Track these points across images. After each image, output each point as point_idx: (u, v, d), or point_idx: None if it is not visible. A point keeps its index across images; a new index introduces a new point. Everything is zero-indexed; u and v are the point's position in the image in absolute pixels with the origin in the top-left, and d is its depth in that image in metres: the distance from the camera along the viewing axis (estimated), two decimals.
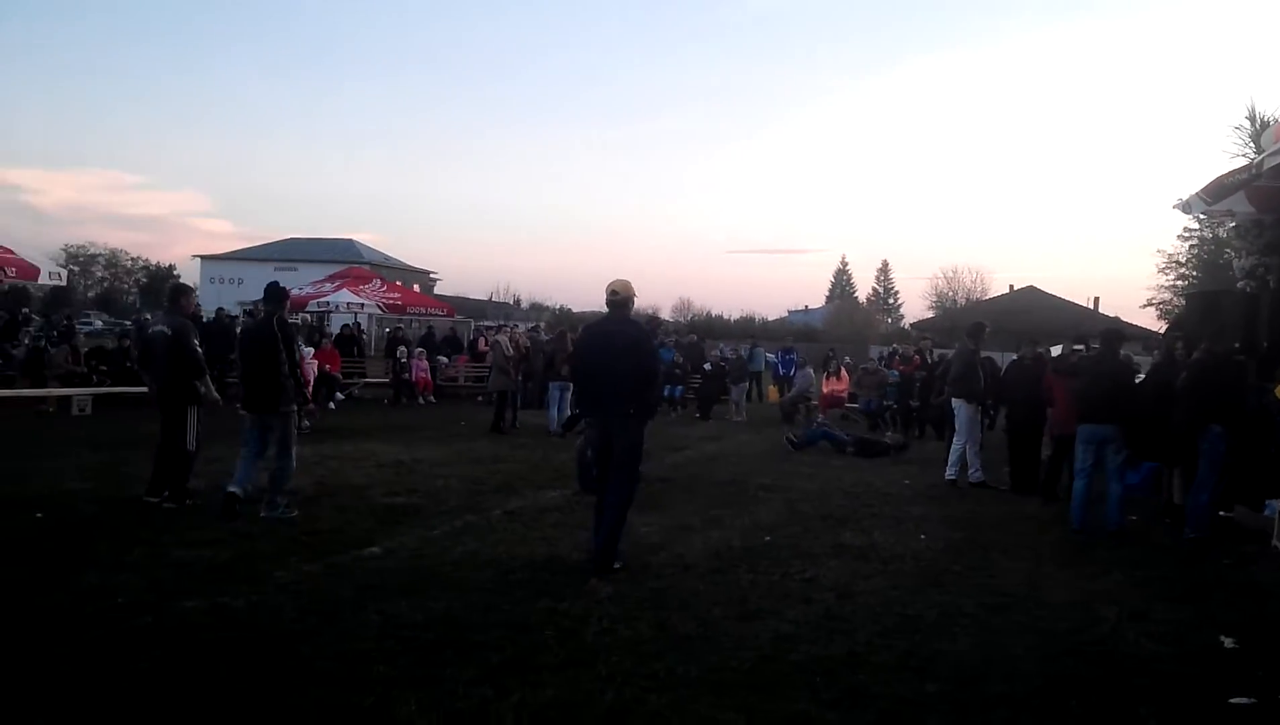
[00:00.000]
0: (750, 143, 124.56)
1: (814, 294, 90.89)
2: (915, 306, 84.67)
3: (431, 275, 69.22)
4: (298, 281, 28.47)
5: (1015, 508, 10.15)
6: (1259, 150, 11.98)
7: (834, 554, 7.54)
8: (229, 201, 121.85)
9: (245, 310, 26.61)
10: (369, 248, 67.12)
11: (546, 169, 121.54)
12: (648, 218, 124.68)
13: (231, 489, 8.01)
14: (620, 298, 6.91)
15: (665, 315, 67.14)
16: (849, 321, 63.03)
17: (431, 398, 21.10)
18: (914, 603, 6.19)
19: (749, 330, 47.91)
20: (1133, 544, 8.32)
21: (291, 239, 67.99)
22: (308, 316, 23.19)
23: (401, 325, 27.21)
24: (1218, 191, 10.54)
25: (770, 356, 27.27)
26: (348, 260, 50.62)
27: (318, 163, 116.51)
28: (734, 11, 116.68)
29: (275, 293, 8.43)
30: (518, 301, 72.34)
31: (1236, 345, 9.85)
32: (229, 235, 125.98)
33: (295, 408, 8.47)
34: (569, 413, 14.86)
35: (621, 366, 6.62)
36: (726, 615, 5.75)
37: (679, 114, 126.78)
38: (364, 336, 25.90)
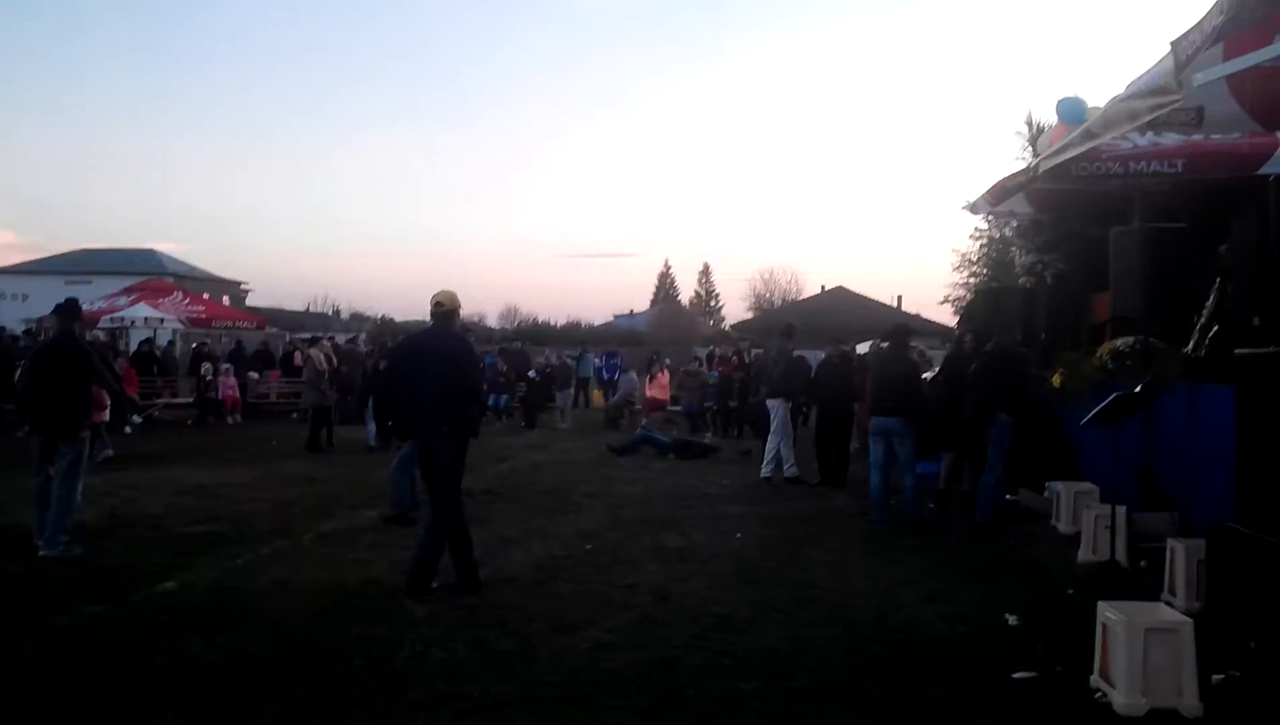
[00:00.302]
0: (575, 146, 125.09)
1: (639, 298, 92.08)
2: (735, 308, 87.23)
3: (243, 286, 65.74)
4: (91, 295, 26.43)
5: (826, 502, 10.59)
6: (1036, 154, 12.96)
7: (653, 558, 7.62)
8: (11, 209, 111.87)
9: (27, 328, 24.51)
10: (172, 258, 63.03)
11: (366, 174, 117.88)
12: (473, 223, 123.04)
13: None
14: (445, 309, 6.60)
15: (491, 322, 66.46)
16: (673, 324, 64.06)
17: (239, 417, 20.03)
18: (729, 601, 6.33)
19: (575, 336, 48.01)
20: (930, 531, 8.83)
21: (85, 249, 62.93)
22: (100, 333, 21.54)
23: (208, 340, 25.76)
24: (1000, 194, 11.31)
25: (596, 361, 27.46)
26: (148, 271, 47.41)
27: (115, 167, 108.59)
28: (561, 10, 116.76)
29: (73, 308, 8.12)
30: (337, 312, 69.64)
31: (1019, 338, 10.64)
32: (11, 246, 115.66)
33: (88, 434, 7.89)
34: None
35: (439, 381, 6.33)
36: (545, 629, 5.70)
37: (503, 117, 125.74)
38: (171, 353, 24.32)
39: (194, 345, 24.95)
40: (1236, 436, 5.20)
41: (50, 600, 6.15)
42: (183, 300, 24.56)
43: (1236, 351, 5.46)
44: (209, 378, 20.14)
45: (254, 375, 21.83)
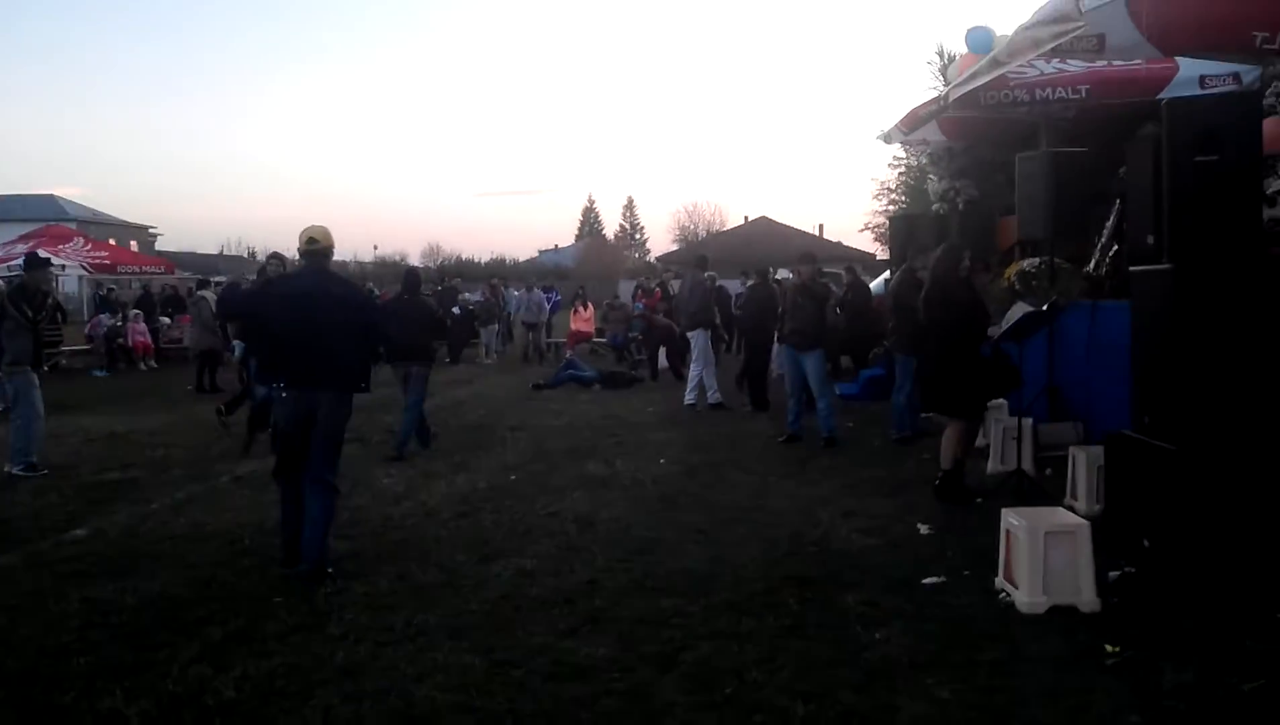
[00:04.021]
0: (493, 82, 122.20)
1: (564, 233, 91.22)
2: (661, 241, 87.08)
3: (151, 230, 63.39)
4: None
5: (749, 426, 10.74)
6: (947, 83, 13.06)
7: (578, 486, 7.66)
8: None
9: None
10: (75, 204, 60.27)
11: (281, 114, 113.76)
12: (390, 162, 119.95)
13: None
14: (320, 246, 5.68)
15: (414, 261, 65.26)
16: (598, 258, 63.91)
17: (153, 362, 19.42)
18: (651, 525, 6.40)
19: (500, 272, 47.41)
20: (848, 450, 9.03)
21: None
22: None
23: (115, 286, 24.80)
24: (913, 122, 11.40)
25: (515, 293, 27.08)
26: (48, 218, 45.24)
27: (8, 109, 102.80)
28: None
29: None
30: (252, 254, 67.62)
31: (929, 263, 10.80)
32: None
33: None
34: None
35: (340, 333, 5.47)
36: (468, 559, 5.70)
37: (417, 51, 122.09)
38: (75, 300, 23.37)
39: (99, 292, 24.04)
40: (1131, 350, 5.38)
41: None
42: (84, 246, 23.51)
43: (1131, 268, 5.62)
44: (118, 324, 19.44)
45: (165, 320, 21.13)
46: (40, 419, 8.58)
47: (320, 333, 5.44)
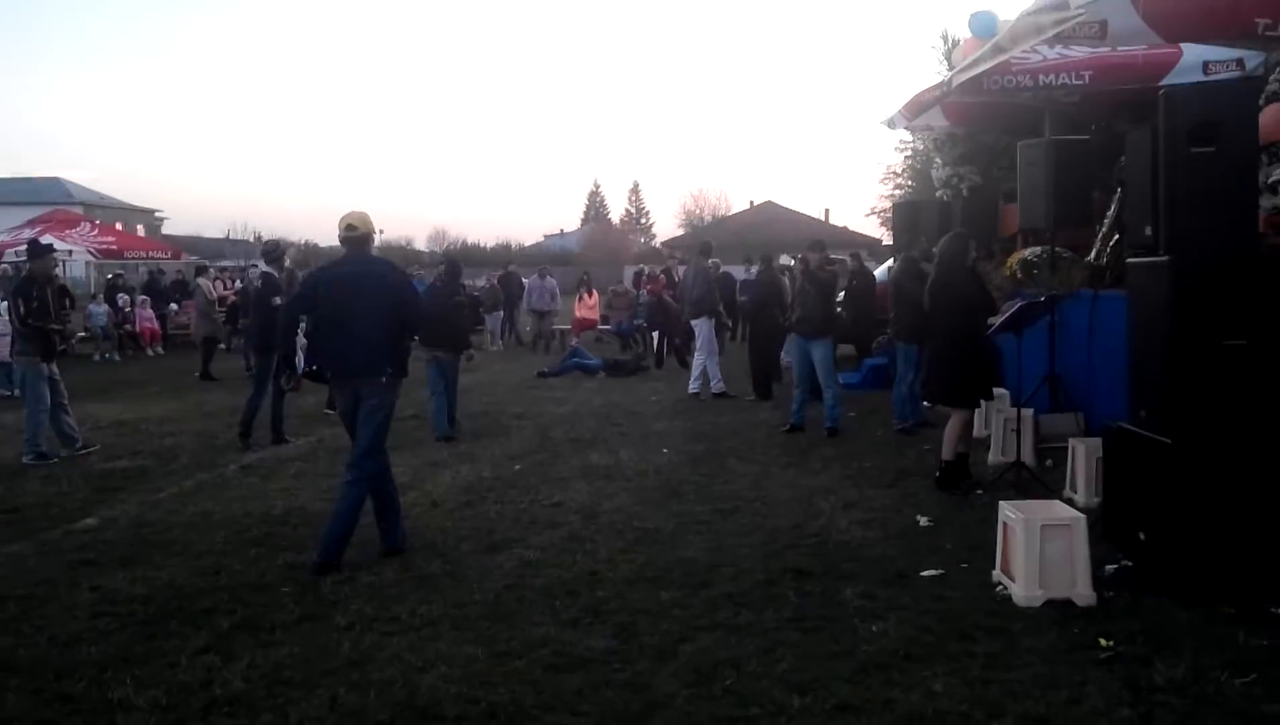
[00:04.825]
0: (503, 65, 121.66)
1: (569, 218, 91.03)
2: (667, 225, 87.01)
3: (158, 214, 63.45)
4: None
5: (752, 415, 10.79)
6: (951, 68, 13.02)
7: (581, 476, 7.72)
8: None
9: None
10: (81, 187, 60.32)
11: (285, 97, 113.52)
12: (397, 146, 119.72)
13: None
14: (359, 233, 5.78)
15: (420, 245, 65.24)
16: (603, 243, 63.83)
17: (160, 349, 19.52)
18: (654, 516, 6.46)
19: (505, 257, 47.39)
20: (850, 440, 9.08)
21: None
22: (6, 268, 20.66)
23: (123, 271, 24.90)
24: (916, 108, 11.37)
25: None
26: (54, 201, 45.29)
27: (12, 93, 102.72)
28: None
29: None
30: (259, 238, 67.64)
31: (934, 251, 10.81)
32: None
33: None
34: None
35: (377, 318, 5.55)
36: (473, 549, 5.77)
37: (422, 35, 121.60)
38: (83, 284, 23.47)
39: (108, 277, 24.13)
40: (1128, 341, 5.40)
41: None
42: (91, 231, 23.62)
43: (1129, 260, 5.63)
44: (126, 310, 19.54)
45: (173, 306, 21.21)
46: (45, 410, 8.62)
47: (357, 319, 5.53)
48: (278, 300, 9.24)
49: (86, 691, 3.88)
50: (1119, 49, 8.46)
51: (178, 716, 3.65)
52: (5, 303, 11.79)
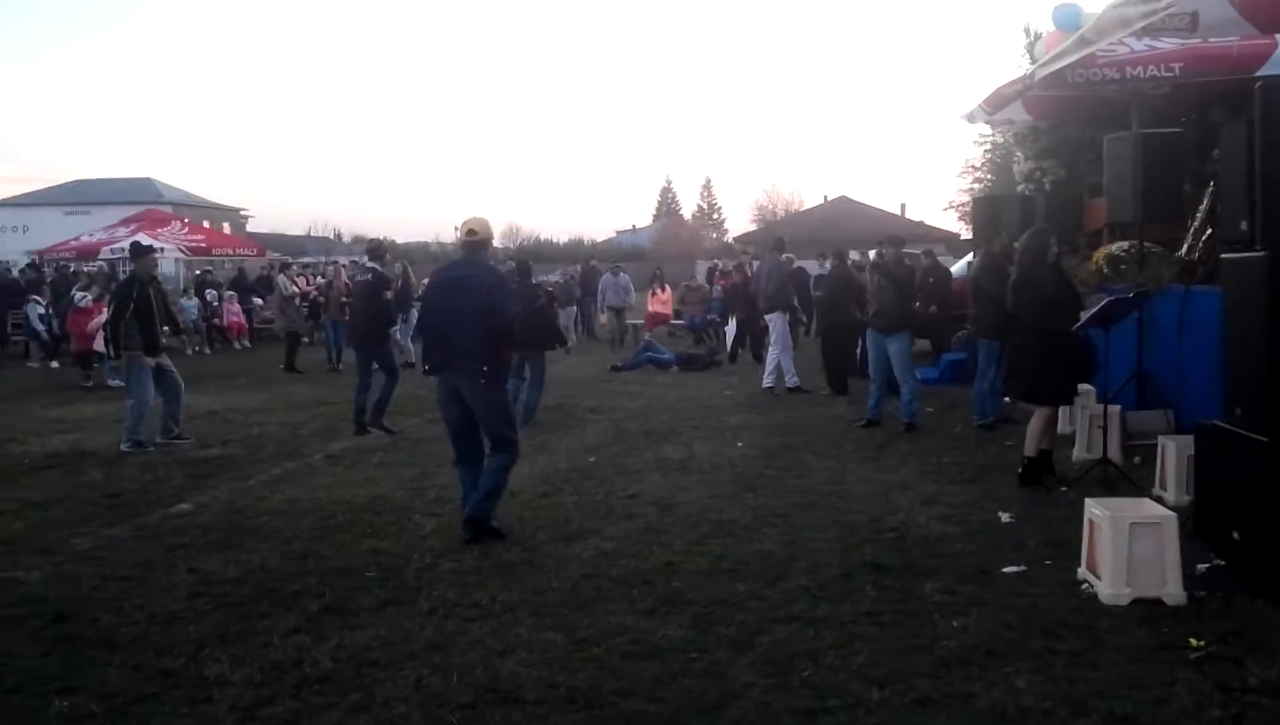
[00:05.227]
0: (575, 60, 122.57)
1: (640, 214, 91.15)
2: (739, 221, 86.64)
3: (242, 212, 65.37)
4: (90, 226, 26.36)
5: (828, 410, 10.71)
6: (1033, 61, 12.73)
7: (656, 469, 7.77)
8: (3, 142, 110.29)
9: (30, 262, 24.48)
10: (170, 186, 62.38)
11: (358, 88, 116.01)
12: (471, 142, 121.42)
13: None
14: (479, 238, 6.04)
15: (495, 242, 65.98)
16: (675, 238, 63.84)
17: (247, 343, 20.16)
18: (729, 509, 6.48)
19: (579, 253, 47.77)
20: (928, 435, 8.96)
21: (82, 180, 62.33)
22: (101, 265, 21.55)
23: (210, 268, 25.74)
24: (998, 101, 11.15)
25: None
26: (146, 201, 46.99)
27: (108, 95, 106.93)
28: None
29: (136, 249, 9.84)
30: (338, 235, 69.33)
31: (1015, 245, 10.59)
32: (8, 179, 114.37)
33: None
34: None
35: (470, 319, 5.74)
36: (550, 538, 5.86)
37: (495, 29, 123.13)
38: (173, 280, 24.32)
39: (196, 272, 24.97)
40: (1222, 338, 5.24)
41: (68, 524, 6.34)
42: (181, 229, 24.50)
43: (1223, 256, 5.46)
44: (214, 304, 20.23)
45: (258, 301, 21.87)
46: (147, 402, 8.99)
47: (452, 320, 5.83)
48: (389, 294, 9.96)
49: (184, 668, 4.05)
50: (1210, 40, 8.19)
51: (271, 693, 3.78)
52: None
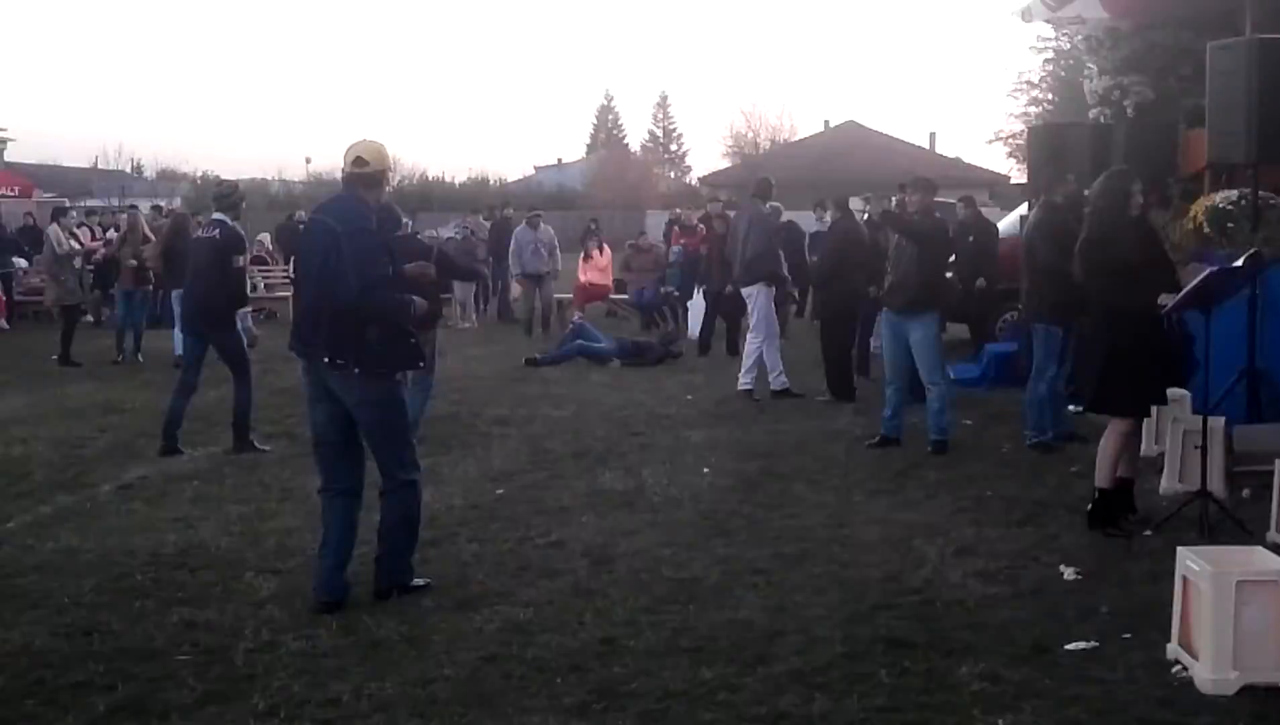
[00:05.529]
0: None
1: (570, 144, 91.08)
2: (708, 155, 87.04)
3: None
4: None
5: (827, 423, 10.81)
6: None
7: (589, 505, 7.80)
8: None
9: None
10: None
11: None
12: (329, 52, 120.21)
13: None
14: (370, 170, 5.88)
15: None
16: (618, 179, 63.87)
17: (3, 322, 19.75)
18: (691, 562, 6.52)
19: (483, 197, 47.55)
20: (965, 459, 9.09)
21: None
22: None
23: None
24: None
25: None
26: None
27: None
28: None
29: None
30: (138, 169, 68.12)
31: (1086, 194, 10.77)
32: None
33: None
34: None
35: (315, 283, 5.82)
36: (439, 606, 5.84)
37: None
38: None
39: None
40: None
41: None
42: None
43: None
44: None
45: (20, 262, 21.36)
46: None
47: (307, 285, 5.85)
48: (240, 260, 9.65)
49: None
50: None
51: None
52: None
